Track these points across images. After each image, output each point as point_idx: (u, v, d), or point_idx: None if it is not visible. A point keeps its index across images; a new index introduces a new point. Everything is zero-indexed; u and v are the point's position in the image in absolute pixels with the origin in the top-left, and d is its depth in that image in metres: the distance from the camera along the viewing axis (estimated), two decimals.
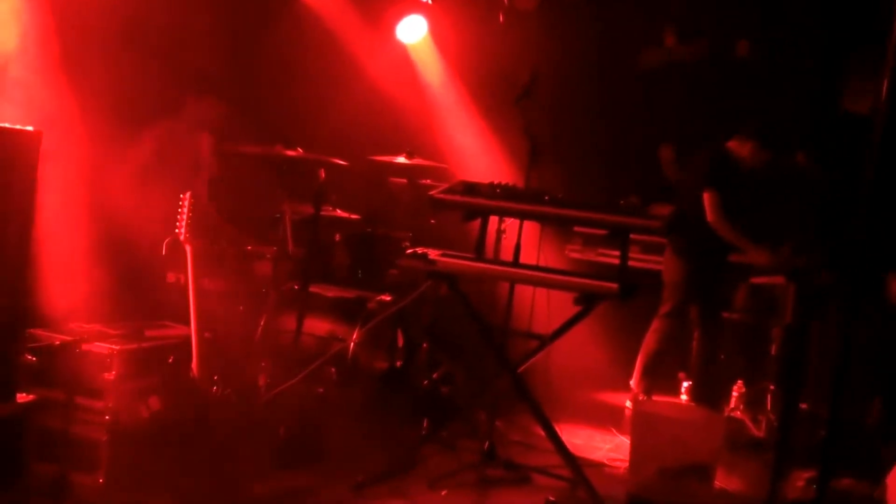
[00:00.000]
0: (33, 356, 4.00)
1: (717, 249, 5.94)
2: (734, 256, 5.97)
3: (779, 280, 6.12)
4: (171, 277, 5.22)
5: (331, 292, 5.71)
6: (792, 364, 5.43)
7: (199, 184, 5.96)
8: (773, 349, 6.29)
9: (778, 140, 6.01)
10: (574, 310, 4.57)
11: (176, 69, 5.61)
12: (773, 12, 7.39)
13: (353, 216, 6.10)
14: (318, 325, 5.45)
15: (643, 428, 4.93)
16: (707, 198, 5.86)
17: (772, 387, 6.12)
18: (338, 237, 6.15)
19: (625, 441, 5.78)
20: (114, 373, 4.09)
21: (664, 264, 6.27)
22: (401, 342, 5.80)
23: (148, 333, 4.43)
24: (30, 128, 3.59)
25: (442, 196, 4.69)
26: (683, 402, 6.27)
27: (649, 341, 6.19)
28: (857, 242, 3.29)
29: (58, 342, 4.10)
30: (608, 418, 6.30)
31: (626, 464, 5.15)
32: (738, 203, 5.92)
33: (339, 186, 6.00)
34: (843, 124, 6.90)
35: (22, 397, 3.65)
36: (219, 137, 6.13)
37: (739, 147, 6.03)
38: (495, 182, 4.70)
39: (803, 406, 5.71)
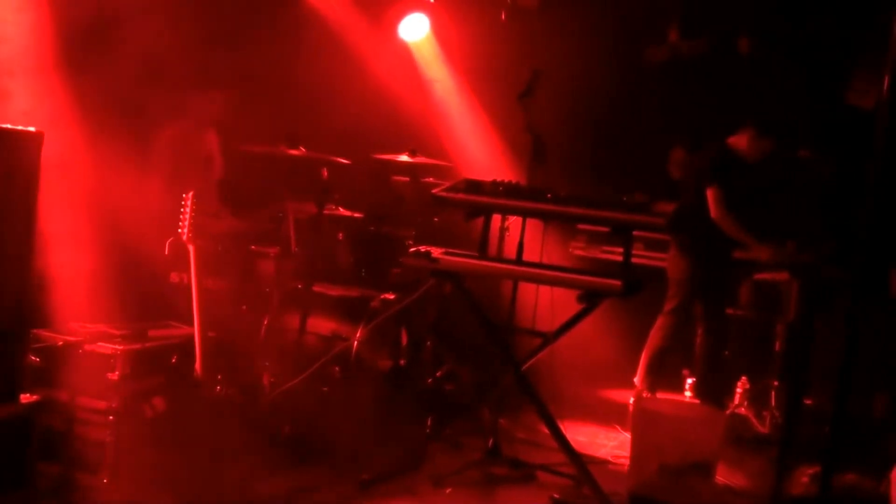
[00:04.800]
0: (37, 357, 4.01)
1: (721, 246, 5.93)
2: (738, 253, 5.96)
3: (783, 276, 6.12)
4: (174, 277, 5.21)
5: (334, 291, 5.70)
6: (796, 360, 5.42)
7: (209, 183, 5.96)
8: (778, 345, 6.29)
9: (776, 127, 5.99)
10: (578, 307, 4.56)
11: (178, 68, 5.61)
12: (777, 8, 7.36)
13: (357, 215, 6.09)
14: (321, 324, 5.44)
15: (644, 425, 4.92)
16: (711, 194, 5.85)
17: (776, 383, 6.12)
18: (341, 236, 6.14)
19: (629, 438, 5.77)
20: (118, 373, 4.10)
21: (668, 261, 6.27)
22: (405, 340, 5.79)
23: (151, 333, 4.44)
24: (32, 128, 3.59)
25: (445, 194, 4.70)
26: (687, 399, 6.26)
27: (653, 338, 6.18)
28: (861, 238, 3.28)
29: (61, 343, 4.12)
30: (612, 415, 6.29)
31: None
32: (743, 199, 5.90)
33: (343, 185, 5.99)
34: (847, 120, 6.88)
35: (26, 398, 3.65)
36: (224, 132, 6.12)
37: (739, 140, 6.02)
38: (498, 180, 4.70)
39: (807, 402, 5.71)
